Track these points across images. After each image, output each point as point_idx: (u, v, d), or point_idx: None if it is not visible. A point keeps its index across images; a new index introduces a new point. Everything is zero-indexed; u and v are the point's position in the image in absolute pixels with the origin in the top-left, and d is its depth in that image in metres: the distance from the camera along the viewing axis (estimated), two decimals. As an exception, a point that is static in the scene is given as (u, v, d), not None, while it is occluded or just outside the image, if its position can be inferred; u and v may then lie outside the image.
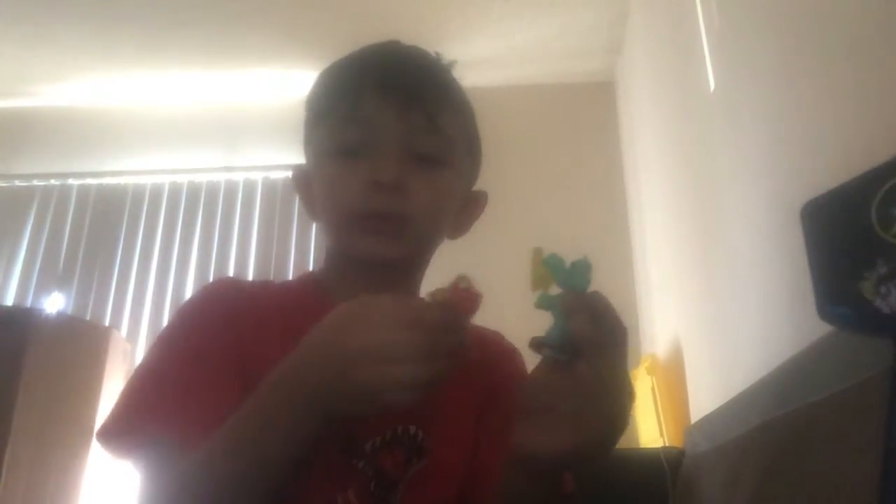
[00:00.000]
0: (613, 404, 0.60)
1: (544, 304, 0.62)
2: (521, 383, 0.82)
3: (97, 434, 0.73)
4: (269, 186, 3.36)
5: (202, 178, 3.46)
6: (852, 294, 0.70)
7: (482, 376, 0.87)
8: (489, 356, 0.89)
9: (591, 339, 0.60)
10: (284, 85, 3.45)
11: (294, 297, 0.86)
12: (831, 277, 0.76)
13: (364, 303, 0.63)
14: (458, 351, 0.62)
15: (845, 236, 0.75)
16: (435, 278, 0.77)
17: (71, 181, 3.49)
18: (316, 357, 0.62)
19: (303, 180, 0.91)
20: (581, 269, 0.62)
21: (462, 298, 0.62)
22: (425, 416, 0.80)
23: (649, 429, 2.34)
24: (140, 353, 2.94)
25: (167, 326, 0.80)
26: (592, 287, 0.63)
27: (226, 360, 0.75)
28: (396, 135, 0.80)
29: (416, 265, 0.87)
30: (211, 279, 0.88)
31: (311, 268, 2.93)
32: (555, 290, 0.62)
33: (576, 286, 0.62)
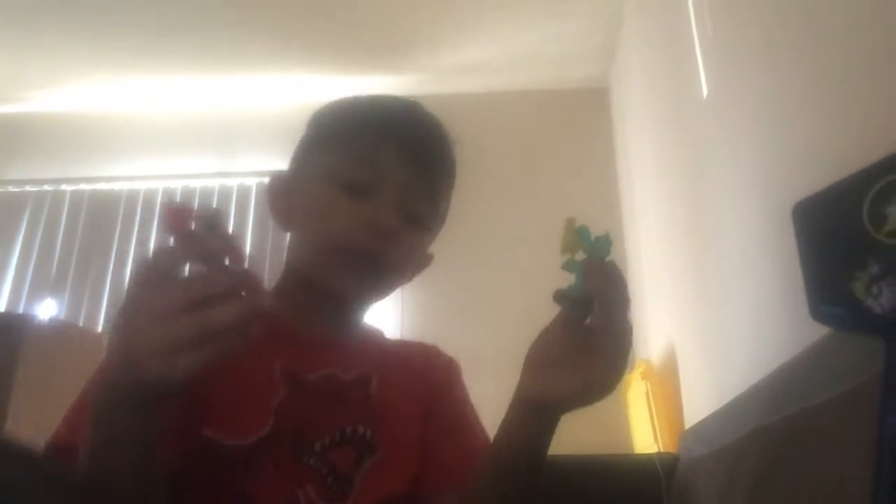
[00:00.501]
0: (620, 350, 0.70)
1: (569, 266, 0.73)
2: (456, 388, 1.01)
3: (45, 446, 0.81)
4: (264, 191, 3.35)
5: (196, 184, 3.45)
6: (844, 294, 0.70)
7: (423, 382, 0.97)
8: (429, 365, 1.01)
9: (605, 294, 0.71)
10: (278, 90, 3.45)
11: None
12: (823, 277, 0.76)
13: (132, 303, 0.61)
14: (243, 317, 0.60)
15: (837, 236, 0.75)
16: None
17: (64, 187, 3.48)
18: (114, 366, 0.63)
19: (282, 189, 0.95)
20: (603, 242, 0.73)
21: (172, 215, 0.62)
22: (373, 418, 0.89)
23: (644, 434, 2.34)
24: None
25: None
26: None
27: None
28: (400, 190, 0.87)
29: (364, 307, 0.96)
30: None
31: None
32: (579, 257, 0.73)
33: (598, 255, 0.72)
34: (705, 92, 1.86)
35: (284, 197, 0.94)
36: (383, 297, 0.94)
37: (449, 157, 0.95)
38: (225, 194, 3.42)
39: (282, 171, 0.97)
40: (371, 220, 0.84)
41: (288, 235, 0.97)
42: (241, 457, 0.79)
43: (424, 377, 0.98)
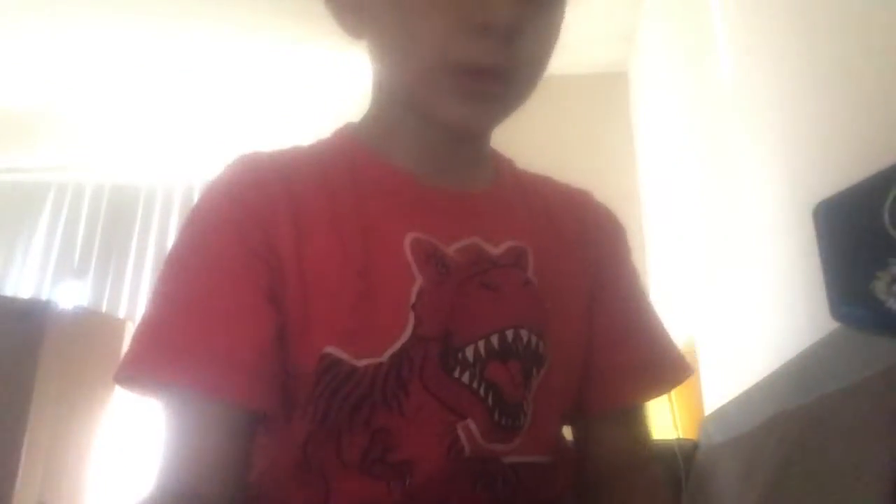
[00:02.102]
0: None
1: None
2: (628, 263, 0.75)
3: (114, 377, 0.60)
4: None
5: (215, 172, 3.47)
6: (864, 294, 0.69)
7: (585, 251, 0.72)
8: (591, 225, 0.75)
9: None
10: (294, 79, 3.45)
11: (340, 167, 0.67)
12: (843, 277, 0.75)
13: None
14: None
15: (858, 236, 0.74)
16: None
17: (86, 175, 3.51)
18: None
19: None
20: None
21: None
22: (536, 314, 0.64)
23: (663, 421, 2.33)
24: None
25: (182, 234, 0.64)
26: None
27: (255, 272, 0.59)
28: None
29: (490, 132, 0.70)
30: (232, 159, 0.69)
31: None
32: None
33: None
34: (726, 77, 1.83)
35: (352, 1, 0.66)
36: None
37: None
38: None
39: None
40: (481, 19, 0.58)
41: (367, 50, 0.69)
42: (379, 376, 0.58)
43: (587, 244, 0.72)
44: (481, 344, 0.61)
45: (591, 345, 0.70)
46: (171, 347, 0.58)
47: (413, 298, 0.60)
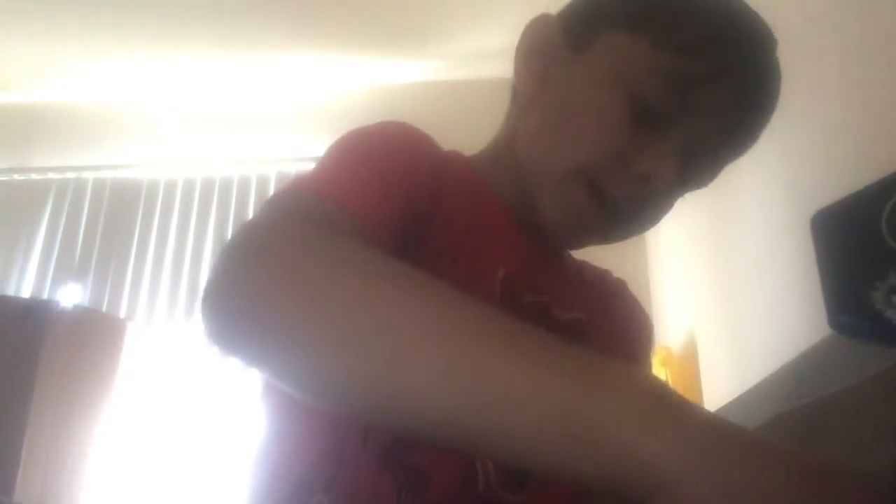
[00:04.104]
0: None
1: None
2: (650, 350, 0.78)
3: (275, 196, 0.56)
4: (283, 179, 3.36)
5: (216, 170, 3.47)
6: (863, 304, 0.69)
7: (625, 347, 0.75)
8: (635, 324, 0.78)
9: None
10: (295, 76, 3.45)
11: (459, 176, 0.68)
12: (841, 287, 0.75)
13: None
14: None
15: (855, 246, 0.75)
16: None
17: (86, 174, 3.51)
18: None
19: (548, 39, 0.68)
20: None
21: None
22: None
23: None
24: (156, 344, 2.97)
25: (360, 134, 0.63)
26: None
27: (423, 194, 0.60)
28: (699, 137, 0.62)
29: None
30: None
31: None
32: None
33: None
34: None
35: (547, 60, 0.68)
36: None
37: (767, 122, 0.69)
38: (244, 180, 3.44)
39: (552, 18, 0.70)
40: (645, 169, 0.61)
41: (524, 104, 0.70)
42: None
43: (629, 341, 0.77)
44: None
45: None
46: (341, 178, 0.57)
47: None
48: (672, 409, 0.35)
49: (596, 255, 0.76)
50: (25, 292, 3.28)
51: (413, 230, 0.59)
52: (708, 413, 0.37)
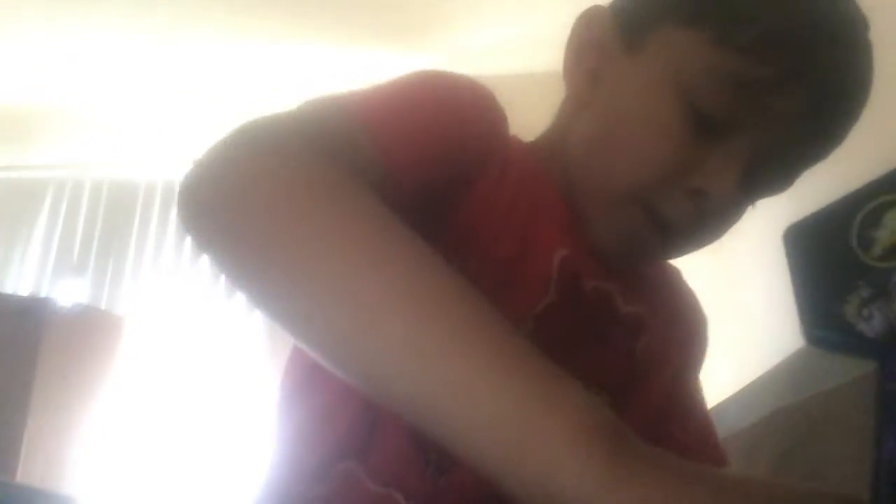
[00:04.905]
0: None
1: None
2: (701, 366, 0.75)
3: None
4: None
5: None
6: (835, 317, 0.69)
7: (681, 354, 0.72)
8: (694, 333, 0.74)
9: None
10: (292, 69, 3.44)
11: (519, 157, 0.64)
12: (814, 301, 0.75)
13: None
14: None
15: (827, 260, 0.75)
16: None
17: (85, 172, 3.51)
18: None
19: (601, 35, 0.62)
20: None
21: None
22: (623, 385, 0.64)
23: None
24: (155, 343, 2.97)
25: (432, 79, 0.60)
26: None
27: (468, 159, 0.57)
28: (770, 151, 0.56)
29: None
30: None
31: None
32: None
33: None
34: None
35: (598, 57, 0.62)
36: None
37: (854, 122, 0.59)
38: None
39: (605, 11, 0.64)
40: (703, 183, 0.55)
41: (571, 98, 0.66)
42: None
43: (686, 348, 0.73)
44: None
45: (666, 414, 0.70)
46: (390, 108, 0.54)
47: (538, 310, 0.58)
48: (611, 442, 0.36)
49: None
50: (24, 290, 3.28)
51: (444, 196, 0.56)
52: (659, 456, 0.37)
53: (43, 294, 3.23)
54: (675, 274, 0.76)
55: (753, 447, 1.28)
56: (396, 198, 0.47)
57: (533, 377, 0.37)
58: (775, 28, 0.53)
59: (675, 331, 0.70)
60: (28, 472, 2.03)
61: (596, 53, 0.62)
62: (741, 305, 1.77)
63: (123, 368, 2.43)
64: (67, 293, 3.26)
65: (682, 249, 0.63)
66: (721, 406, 1.69)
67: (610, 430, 0.36)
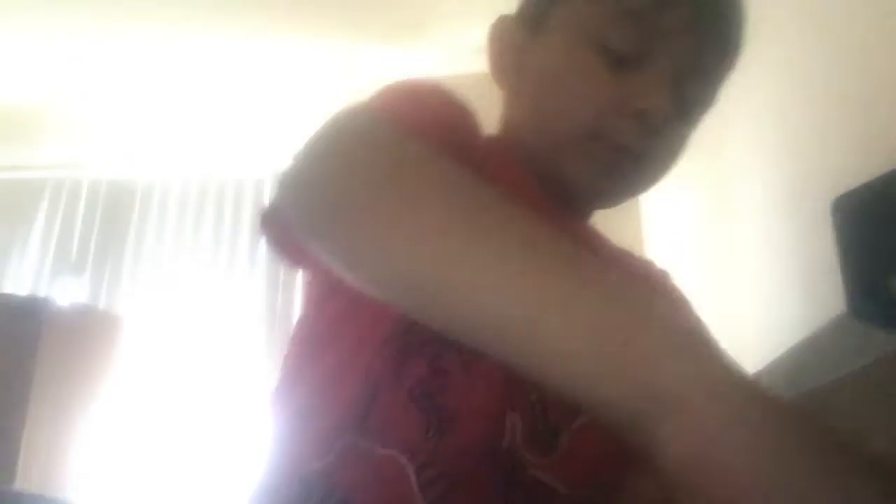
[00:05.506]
0: None
1: None
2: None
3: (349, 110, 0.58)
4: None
5: (213, 167, 3.46)
6: (882, 291, 0.69)
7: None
8: (666, 290, 0.80)
9: None
10: (292, 70, 3.44)
11: (490, 150, 0.71)
12: (861, 273, 0.75)
13: None
14: None
15: (877, 233, 0.74)
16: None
17: (83, 172, 3.50)
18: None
19: (512, 41, 0.73)
20: None
21: None
22: None
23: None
24: (153, 342, 2.97)
25: (409, 86, 0.68)
26: None
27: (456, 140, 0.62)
28: (681, 65, 0.66)
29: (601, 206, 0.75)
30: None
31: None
32: None
33: None
34: (739, 72, 1.83)
35: (514, 52, 0.73)
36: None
37: (743, 27, 0.71)
38: (240, 180, 3.43)
39: (509, 17, 0.76)
40: (640, 105, 0.64)
41: (508, 95, 0.75)
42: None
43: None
44: None
45: None
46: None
47: None
48: (702, 345, 0.39)
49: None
50: (22, 290, 3.28)
51: None
52: (734, 360, 0.40)
53: (41, 294, 3.23)
54: (662, 275, 0.83)
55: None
56: None
57: (624, 295, 0.40)
58: None
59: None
60: (27, 471, 2.03)
61: (512, 52, 0.73)
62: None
63: (122, 368, 2.43)
64: (66, 293, 3.26)
65: (650, 172, 0.70)
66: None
67: (695, 329, 0.41)
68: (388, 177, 0.47)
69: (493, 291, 0.41)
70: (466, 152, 0.63)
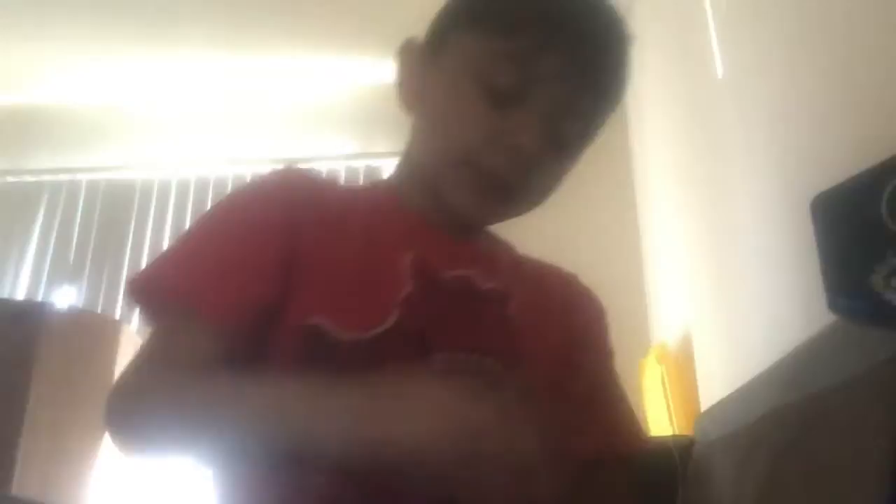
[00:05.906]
0: None
1: None
2: (607, 336, 0.85)
3: (127, 283, 0.72)
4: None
5: (210, 170, 3.46)
6: (862, 286, 0.69)
7: (568, 317, 0.82)
8: (573, 296, 0.86)
9: None
10: (287, 74, 3.45)
11: (364, 199, 0.81)
12: (841, 269, 0.75)
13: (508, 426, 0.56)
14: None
15: (855, 229, 0.75)
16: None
17: (80, 176, 3.50)
18: (441, 434, 0.55)
19: (416, 67, 0.79)
20: None
21: None
22: (507, 349, 0.74)
23: (659, 418, 2.34)
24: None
25: (226, 199, 0.76)
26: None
27: (279, 246, 0.70)
28: (555, 106, 0.71)
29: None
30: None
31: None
32: None
33: None
34: (720, 72, 1.84)
35: (417, 78, 0.79)
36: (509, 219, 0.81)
37: (624, 71, 0.76)
38: (238, 182, 3.43)
39: (417, 40, 0.81)
40: (514, 140, 0.70)
41: (412, 119, 0.81)
42: (357, 356, 0.67)
43: (571, 309, 0.83)
44: (450, 356, 0.70)
45: (567, 396, 0.77)
46: (192, 272, 0.69)
47: (400, 299, 0.70)
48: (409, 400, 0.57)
49: (591, 254, 0.77)
50: (20, 294, 3.27)
51: (285, 276, 0.70)
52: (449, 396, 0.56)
53: (39, 298, 3.23)
54: (570, 277, 0.88)
55: (750, 446, 1.28)
56: (255, 323, 0.68)
57: (365, 391, 0.59)
58: (528, 14, 0.71)
59: (548, 302, 0.81)
60: (25, 476, 2.02)
61: (415, 76, 0.79)
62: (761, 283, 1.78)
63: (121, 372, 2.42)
64: (64, 297, 3.26)
65: (523, 200, 0.76)
66: (719, 405, 1.68)
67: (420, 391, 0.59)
68: (168, 406, 0.65)
69: (272, 435, 0.60)
70: (319, 212, 0.73)
